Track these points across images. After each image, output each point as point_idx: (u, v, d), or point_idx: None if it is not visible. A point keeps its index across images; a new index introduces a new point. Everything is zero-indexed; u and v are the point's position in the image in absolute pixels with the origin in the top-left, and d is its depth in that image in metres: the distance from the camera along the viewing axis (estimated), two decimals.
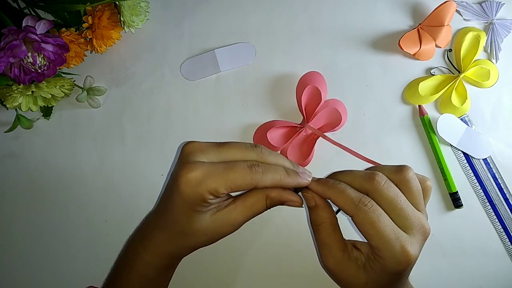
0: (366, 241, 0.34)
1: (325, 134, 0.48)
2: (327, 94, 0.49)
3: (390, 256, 0.32)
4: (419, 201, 0.35)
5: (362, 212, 0.33)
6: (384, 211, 0.33)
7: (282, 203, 0.36)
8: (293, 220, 0.48)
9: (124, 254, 0.42)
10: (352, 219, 0.34)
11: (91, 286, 0.47)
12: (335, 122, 0.47)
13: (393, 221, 0.33)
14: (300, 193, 0.37)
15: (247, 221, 0.36)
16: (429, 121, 0.49)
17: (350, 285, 0.35)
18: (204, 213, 0.35)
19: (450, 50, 0.51)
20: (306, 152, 0.47)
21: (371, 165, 0.44)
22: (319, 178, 0.36)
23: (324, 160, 0.49)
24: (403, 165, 0.35)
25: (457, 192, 0.48)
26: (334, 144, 0.47)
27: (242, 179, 0.32)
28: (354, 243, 0.36)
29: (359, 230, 0.33)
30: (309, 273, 0.47)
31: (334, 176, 0.36)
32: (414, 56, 0.50)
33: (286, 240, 0.48)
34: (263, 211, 0.36)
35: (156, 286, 0.40)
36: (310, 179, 0.35)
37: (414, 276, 0.48)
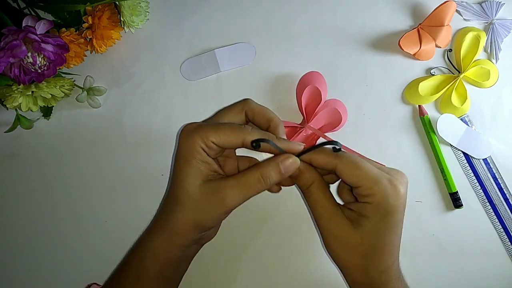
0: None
1: (326, 134, 0.48)
2: (327, 94, 0.49)
3: (380, 190, 0.33)
4: None
5: (344, 157, 0.34)
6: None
7: (278, 179, 0.35)
8: (292, 219, 0.48)
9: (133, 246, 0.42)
10: (336, 170, 0.34)
11: (94, 283, 0.46)
12: (335, 122, 0.47)
13: None
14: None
15: (238, 201, 0.35)
16: (429, 121, 0.49)
17: (345, 246, 0.35)
18: (196, 174, 0.35)
19: (450, 50, 0.51)
20: None
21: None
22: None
23: None
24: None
25: (457, 192, 0.48)
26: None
27: (231, 130, 0.35)
28: (345, 205, 0.37)
29: (345, 178, 0.34)
30: (309, 272, 0.47)
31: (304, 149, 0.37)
32: (414, 56, 0.50)
33: (285, 239, 0.48)
34: (256, 191, 0.35)
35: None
36: (301, 147, 0.36)
37: (414, 276, 0.48)
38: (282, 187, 0.40)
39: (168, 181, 0.49)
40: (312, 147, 0.35)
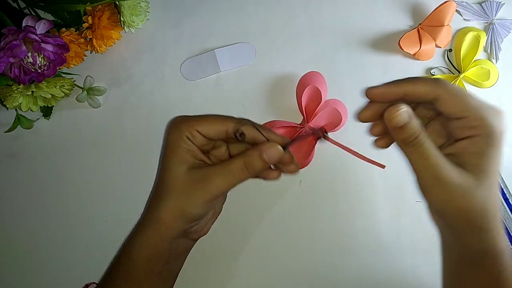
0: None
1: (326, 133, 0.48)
2: (327, 94, 0.49)
3: (491, 120, 0.30)
4: None
5: (448, 87, 0.31)
6: None
7: (262, 168, 0.35)
8: (289, 216, 0.48)
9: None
10: (437, 102, 0.31)
11: (93, 283, 0.46)
12: (335, 122, 0.47)
13: None
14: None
15: (223, 189, 0.35)
16: None
17: (464, 194, 0.31)
18: (181, 162, 0.35)
19: (450, 50, 0.51)
20: (306, 152, 0.47)
21: (373, 165, 0.44)
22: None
23: (325, 161, 0.49)
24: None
25: None
26: (335, 144, 0.47)
27: (214, 119, 0.36)
28: (442, 153, 0.32)
29: (448, 111, 0.31)
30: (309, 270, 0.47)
31: (395, 83, 0.34)
32: (414, 56, 0.50)
33: (282, 237, 0.48)
34: (240, 179, 0.35)
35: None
36: (286, 140, 0.36)
37: (414, 276, 0.48)
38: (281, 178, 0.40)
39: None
40: (296, 137, 0.35)
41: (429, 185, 0.32)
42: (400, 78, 0.33)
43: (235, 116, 0.37)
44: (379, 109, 0.34)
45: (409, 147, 0.32)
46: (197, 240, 0.41)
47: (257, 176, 0.37)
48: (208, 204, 0.36)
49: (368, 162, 0.44)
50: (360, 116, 0.35)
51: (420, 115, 0.34)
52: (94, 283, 0.47)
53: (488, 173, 0.31)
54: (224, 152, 0.39)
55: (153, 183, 0.42)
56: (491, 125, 0.30)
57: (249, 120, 0.37)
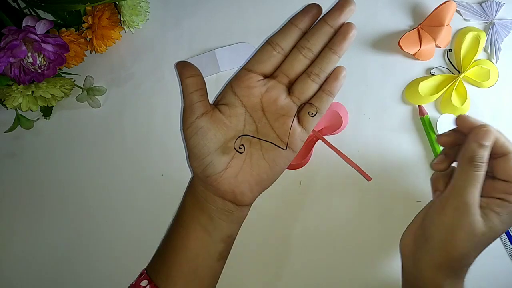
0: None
1: (326, 135, 0.48)
2: None
3: None
4: None
5: None
6: None
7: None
8: (291, 219, 0.48)
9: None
10: (507, 156, 0.35)
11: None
12: (335, 125, 0.47)
13: None
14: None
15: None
16: (429, 121, 0.49)
17: (469, 233, 0.35)
18: (203, 115, 0.37)
19: (450, 50, 0.51)
20: (304, 152, 0.47)
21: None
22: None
23: (322, 162, 0.49)
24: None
25: None
26: (331, 148, 0.47)
27: None
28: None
29: (508, 170, 0.35)
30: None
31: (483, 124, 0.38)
32: (414, 56, 0.50)
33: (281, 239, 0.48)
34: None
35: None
36: None
37: None
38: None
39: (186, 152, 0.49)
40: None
41: (453, 206, 0.36)
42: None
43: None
44: (457, 139, 0.39)
45: (469, 165, 0.35)
46: (233, 203, 0.39)
47: None
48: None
49: (357, 170, 0.44)
50: (440, 140, 0.40)
51: None
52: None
53: (498, 232, 0.35)
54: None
55: (186, 162, 0.42)
56: None
57: None
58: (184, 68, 0.37)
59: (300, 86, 0.38)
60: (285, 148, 0.38)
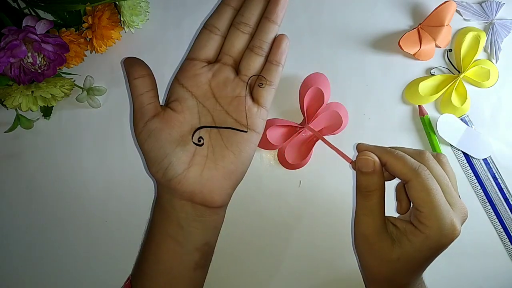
0: (403, 216, 0.35)
1: (326, 135, 0.48)
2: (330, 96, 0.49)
3: (437, 227, 0.32)
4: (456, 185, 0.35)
5: (421, 177, 0.32)
6: None
7: None
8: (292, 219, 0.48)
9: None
10: (407, 184, 0.33)
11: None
12: (335, 125, 0.47)
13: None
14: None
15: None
16: (429, 121, 0.49)
17: (380, 259, 0.34)
18: (153, 117, 0.36)
19: (450, 50, 0.51)
20: (304, 152, 0.47)
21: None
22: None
23: (322, 162, 0.49)
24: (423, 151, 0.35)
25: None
26: (331, 148, 0.47)
27: None
28: (388, 218, 0.35)
29: (412, 197, 0.33)
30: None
31: (384, 149, 0.36)
32: (414, 56, 0.50)
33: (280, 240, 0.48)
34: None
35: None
36: None
37: None
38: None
39: None
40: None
41: (358, 231, 0.35)
42: (392, 146, 0.36)
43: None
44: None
45: (361, 195, 0.35)
46: (206, 206, 0.37)
47: None
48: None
49: (340, 155, 0.43)
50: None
51: None
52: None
53: (411, 260, 0.33)
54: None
55: None
56: (438, 233, 0.32)
57: None
58: (132, 67, 0.35)
59: (246, 62, 0.36)
60: (246, 130, 0.36)
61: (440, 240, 0.32)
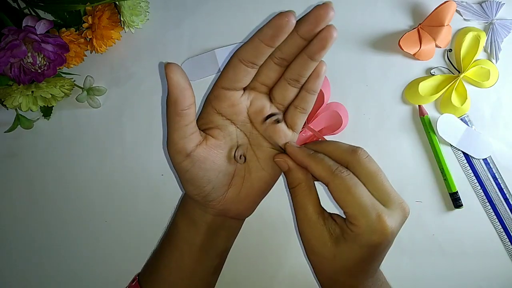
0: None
1: (326, 135, 0.48)
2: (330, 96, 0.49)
3: (365, 224, 0.31)
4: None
5: (338, 178, 0.32)
6: (363, 183, 0.33)
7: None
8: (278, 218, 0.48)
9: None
10: (328, 187, 0.33)
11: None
12: (335, 125, 0.47)
13: (371, 193, 0.32)
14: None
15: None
16: (429, 121, 0.49)
17: (318, 256, 0.34)
18: (197, 146, 0.34)
19: (450, 50, 0.51)
20: None
21: None
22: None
23: None
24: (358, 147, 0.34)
25: (457, 192, 0.48)
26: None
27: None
28: (331, 215, 0.35)
29: (335, 199, 0.33)
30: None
31: (315, 145, 0.36)
32: (414, 56, 0.50)
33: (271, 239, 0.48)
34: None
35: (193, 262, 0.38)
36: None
37: (414, 276, 0.48)
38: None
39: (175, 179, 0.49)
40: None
41: (297, 227, 0.35)
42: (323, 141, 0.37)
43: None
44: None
45: (290, 192, 0.36)
46: (236, 219, 0.39)
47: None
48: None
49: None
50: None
51: None
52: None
53: (346, 260, 0.33)
54: None
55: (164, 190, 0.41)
56: (366, 230, 0.31)
57: None
58: (183, 95, 0.33)
59: (281, 93, 0.36)
60: (284, 151, 0.37)
61: (370, 238, 0.31)
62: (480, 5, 0.51)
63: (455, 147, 0.49)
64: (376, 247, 0.32)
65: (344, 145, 0.35)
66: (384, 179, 0.33)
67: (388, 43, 0.51)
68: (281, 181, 0.48)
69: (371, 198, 0.32)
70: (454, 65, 0.50)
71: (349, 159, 0.33)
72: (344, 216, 0.33)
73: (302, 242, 0.35)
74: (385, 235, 0.31)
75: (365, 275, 0.35)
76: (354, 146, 0.34)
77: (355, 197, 0.32)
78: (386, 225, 0.31)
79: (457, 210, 0.48)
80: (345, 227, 0.33)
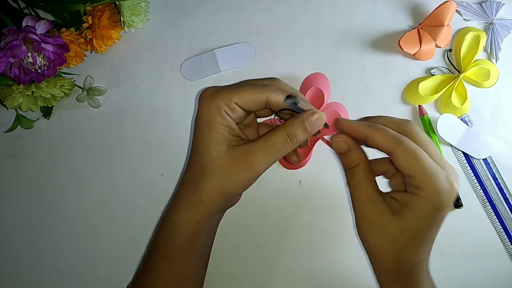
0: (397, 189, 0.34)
1: (326, 135, 0.48)
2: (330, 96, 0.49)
3: (435, 186, 0.31)
4: None
5: (404, 145, 0.32)
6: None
7: (305, 137, 0.34)
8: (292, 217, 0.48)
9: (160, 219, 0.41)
10: (391, 155, 0.32)
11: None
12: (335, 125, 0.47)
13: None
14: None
15: (267, 165, 0.34)
16: (429, 121, 0.49)
17: (383, 234, 0.33)
18: (220, 141, 0.34)
19: (450, 50, 0.51)
20: (304, 152, 0.47)
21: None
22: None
23: (322, 162, 0.49)
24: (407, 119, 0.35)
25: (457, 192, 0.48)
26: (331, 148, 0.47)
27: (254, 89, 0.34)
28: (388, 193, 0.35)
29: (400, 166, 0.32)
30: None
31: (367, 119, 0.36)
32: (414, 56, 0.50)
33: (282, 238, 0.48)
34: (284, 152, 0.34)
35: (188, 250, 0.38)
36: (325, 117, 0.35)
37: None
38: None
39: (187, 151, 0.49)
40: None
41: (355, 209, 0.35)
42: (374, 115, 0.36)
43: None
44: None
45: (347, 174, 0.35)
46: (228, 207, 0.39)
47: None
48: (252, 182, 0.35)
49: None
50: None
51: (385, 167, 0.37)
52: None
53: (416, 230, 0.32)
54: (256, 131, 0.39)
55: (186, 162, 0.41)
56: (436, 191, 0.31)
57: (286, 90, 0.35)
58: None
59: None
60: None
61: (441, 199, 0.31)
62: (480, 5, 0.51)
63: (455, 147, 0.49)
64: (444, 209, 0.32)
65: (394, 118, 0.35)
66: (435, 146, 0.34)
67: (388, 43, 0.51)
68: (279, 181, 0.49)
69: (435, 162, 0.32)
70: (454, 65, 0.50)
71: (405, 129, 0.33)
72: (406, 188, 0.33)
73: (359, 225, 0.34)
74: (452, 195, 0.32)
75: (428, 246, 0.34)
76: (402, 119, 0.35)
77: (422, 162, 0.31)
78: (454, 185, 0.32)
79: (457, 210, 0.48)
80: (408, 197, 0.32)
